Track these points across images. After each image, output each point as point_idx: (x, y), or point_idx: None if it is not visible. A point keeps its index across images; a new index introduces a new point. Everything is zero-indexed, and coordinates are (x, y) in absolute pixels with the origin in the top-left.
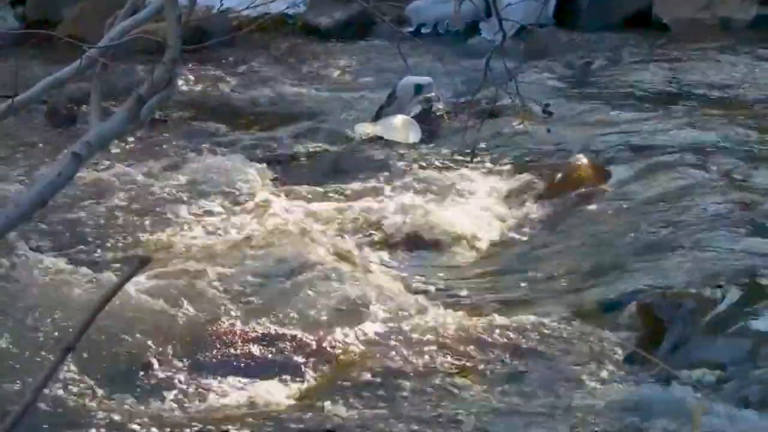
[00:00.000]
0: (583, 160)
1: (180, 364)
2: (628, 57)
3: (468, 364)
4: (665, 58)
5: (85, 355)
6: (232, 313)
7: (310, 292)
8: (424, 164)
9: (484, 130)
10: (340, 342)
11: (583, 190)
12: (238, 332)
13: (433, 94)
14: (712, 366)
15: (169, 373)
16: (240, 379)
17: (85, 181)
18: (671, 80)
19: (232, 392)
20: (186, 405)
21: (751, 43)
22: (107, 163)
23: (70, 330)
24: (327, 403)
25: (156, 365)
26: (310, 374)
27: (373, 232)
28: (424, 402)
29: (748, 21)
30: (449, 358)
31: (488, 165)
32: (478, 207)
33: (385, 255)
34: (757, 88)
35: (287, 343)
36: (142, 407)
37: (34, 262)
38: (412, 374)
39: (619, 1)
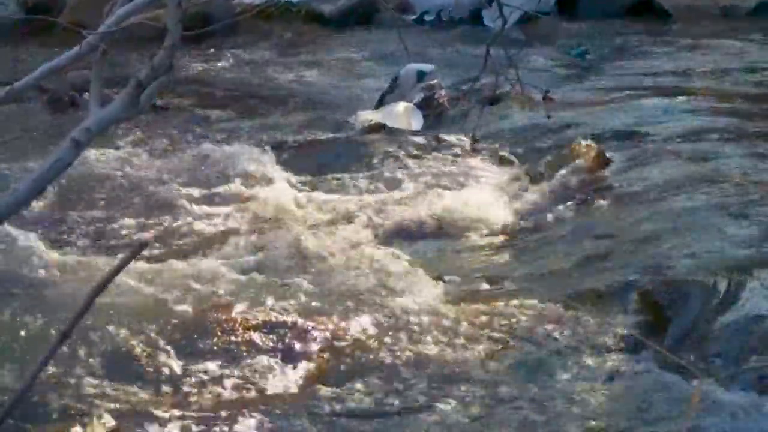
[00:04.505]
0: (583, 146)
1: (179, 352)
2: (630, 44)
3: (469, 350)
4: (666, 44)
5: (83, 341)
6: (233, 301)
7: (310, 280)
8: (426, 151)
9: (486, 116)
10: (341, 330)
11: (584, 176)
12: (239, 320)
13: (435, 81)
14: (713, 353)
15: (168, 361)
16: (239, 367)
17: (84, 167)
18: (672, 67)
19: (231, 380)
20: (185, 393)
21: (752, 31)
22: (107, 149)
23: (68, 315)
24: (328, 393)
25: (154, 353)
26: (311, 363)
27: (374, 219)
28: (425, 389)
29: (749, 9)
30: (450, 345)
31: (489, 151)
32: (479, 193)
33: (386, 242)
34: (759, 76)
35: (289, 331)
36: (140, 394)
37: (32, 248)
38: (412, 362)
39: None
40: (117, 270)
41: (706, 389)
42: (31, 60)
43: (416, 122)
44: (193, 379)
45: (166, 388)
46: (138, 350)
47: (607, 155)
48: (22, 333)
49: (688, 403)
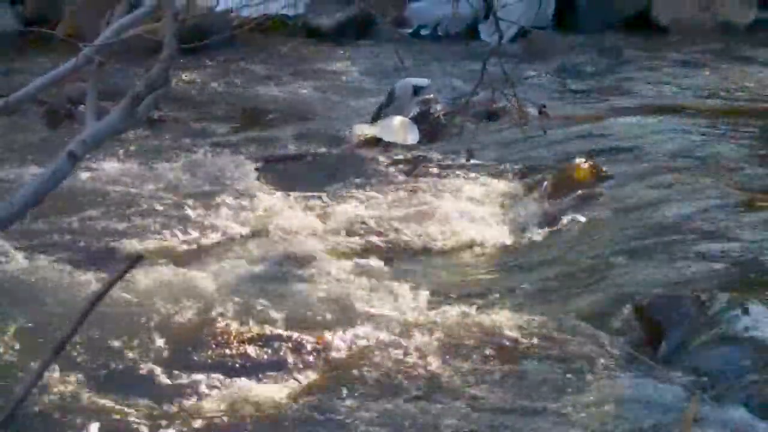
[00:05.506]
0: (579, 161)
1: (174, 364)
2: (627, 59)
3: (464, 364)
4: (663, 60)
5: (78, 353)
6: (227, 313)
7: (305, 293)
8: (421, 165)
9: (482, 131)
10: (336, 343)
11: (580, 191)
12: (233, 332)
13: (431, 95)
14: (708, 368)
15: (163, 373)
16: (233, 378)
17: (81, 179)
18: (669, 82)
19: (225, 392)
20: (180, 404)
21: (750, 46)
22: (103, 162)
23: (62, 328)
24: (323, 404)
25: (146, 365)
26: (305, 374)
27: (370, 233)
28: (420, 402)
29: (746, 24)
30: (446, 359)
31: (485, 166)
32: (474, 208)
33: (382, 256)
34: (755, 91)
35: (283, 343)
36: (134, 406)
37: (28, 261)
38: (408, 375)
39: (618, 2)
40: (112, 283)
41: (700, 405)
42: (28, 72)
43: (412, 136)
44: (186, 391)
45: (158, 400)
46: (131, 362)
47: (604, 170)
48: (16, 346)
49: (683, 419)
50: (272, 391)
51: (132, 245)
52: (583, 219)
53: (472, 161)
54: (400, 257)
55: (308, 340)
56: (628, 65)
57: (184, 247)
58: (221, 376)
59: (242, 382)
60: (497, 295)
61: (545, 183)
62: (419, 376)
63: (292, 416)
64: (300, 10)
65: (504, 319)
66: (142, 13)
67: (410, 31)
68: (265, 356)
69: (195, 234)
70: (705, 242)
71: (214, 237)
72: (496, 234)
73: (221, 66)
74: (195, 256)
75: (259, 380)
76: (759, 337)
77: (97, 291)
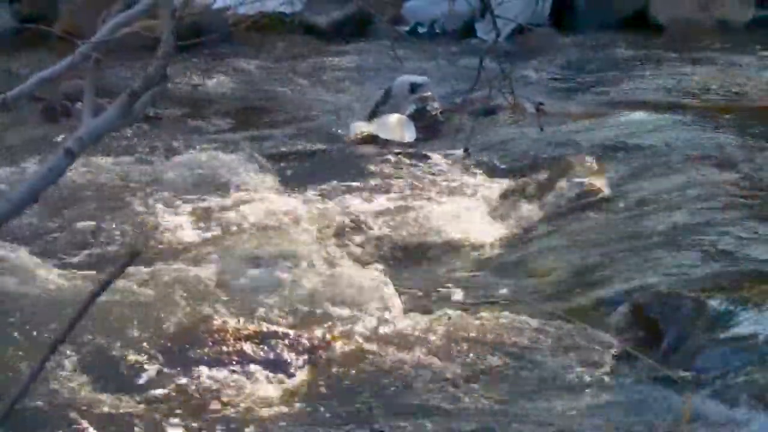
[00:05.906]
0: (577, 159)
1: (172, 361)
2: (624, 57)
3: (461, 363)
4: (661, 58)
5: (75, 349)
6: (225, 311)
7: (302, 291)
8: (419, 163)
9: (479, 129)
10: (332, 341)
11: (578, 189)
12: (230, 330)
13: (428, 93)
14: (705, 366)
15: (161, 370)
16: (232, 376)
17: (77, 176)
18: (667, 81)
19: (223, 390)
20: (178, 403)
21: (748, 45)
22: (100, 159)
23: (59, 326)
24: (319, 403)
25: (146, 361)
26: (302, 373)
27: (367, 231)
28: (416, 402)
29: (745, 22)
30: (442, 358)
31: (483, 164)
32: (472, 206)
33: (379, 254)
34: (754, 89)
35: (280, 341)
36: (132, 404)
37: (24, 259)
38: (404, 374)
39: (617, 2)
40: (109, 280)
41: (697, 403)
42: (25, 69)
43: (409, 134)
44: (183, 389)
45: (155, 398)
46: (128, 359)
47: (601, 168)
48: (13, 344)
49: (680, 417)
50: (271, 389)
51: (129, 242)
52: (579, 217)
53: (469, 158)
54: (397, 255)
55: (306, 339)
56: (626, 63)
57: (182, 244)
58: (219, 374)
59: (240, 380)
60: (495, 294)
61: (542, 180)
62: (417, 376)
63: (291, 415)
64: (297, 7)
65: (502, 319)
66: (138, 11)
67: (407, 28)
68: (263, 354)
69: (192, 231)
70: (705, 241)
71: (210, 234)
72: (494, 232)
73: (218, 63)
74: (192, 254)
75: (257, 379)
76: (758, 337)
77: (95, 288)
